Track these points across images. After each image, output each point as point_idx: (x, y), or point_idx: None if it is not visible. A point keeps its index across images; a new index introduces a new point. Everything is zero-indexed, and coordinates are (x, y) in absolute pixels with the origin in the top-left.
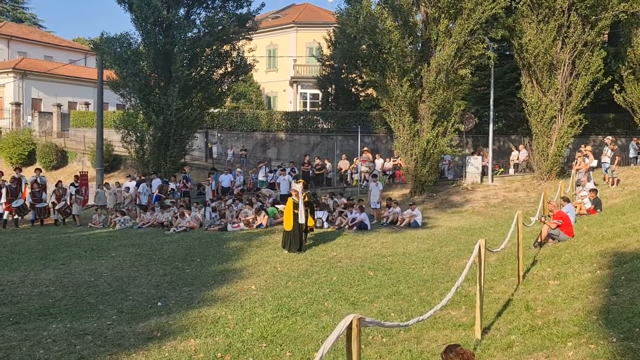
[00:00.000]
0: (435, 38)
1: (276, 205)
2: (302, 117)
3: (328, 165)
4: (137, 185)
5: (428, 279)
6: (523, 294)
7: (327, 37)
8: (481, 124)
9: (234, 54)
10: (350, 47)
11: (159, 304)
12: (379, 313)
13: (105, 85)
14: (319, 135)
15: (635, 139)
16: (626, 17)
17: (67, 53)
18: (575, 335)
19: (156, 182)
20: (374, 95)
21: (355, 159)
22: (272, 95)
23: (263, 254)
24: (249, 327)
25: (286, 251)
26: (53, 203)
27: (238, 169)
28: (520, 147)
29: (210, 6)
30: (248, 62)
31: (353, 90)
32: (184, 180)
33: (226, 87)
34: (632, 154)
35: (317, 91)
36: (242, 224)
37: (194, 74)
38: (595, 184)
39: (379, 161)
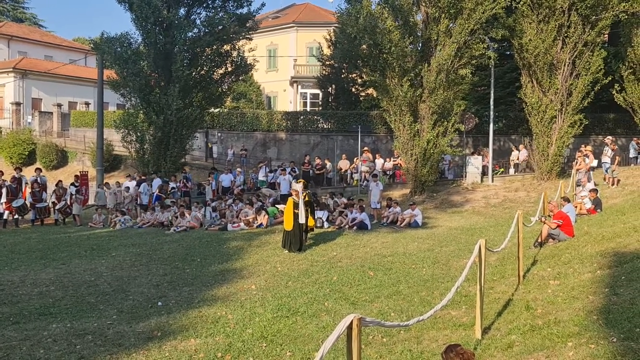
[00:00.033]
0: (435, 38)
1: (276, 205)
2: (302, 117)
3: (328, 165)
4: (138, 185)
5: (428, 278)
6: (523, 294)
7: (328, 37)
8: (481, 123)
9: (234, 53)
10: (351, 47)
11: (159, 303)
12: (379, 313)
13: (106, 85)
14: (319, 135)
15: (635, 139)
16: (626, 17)
17: (68, 53)
18: (575, 335)
19: (156, 181)
20: (374, 95)
21: (355, 158)
22: (273, 95)
23: (263, 254)
24: (249, 327)
25: (286, 251)
26: (53, 203)
27: (238, 169)
28: (520, 147)
29: (211, 6)
30: (248, 62)
31: (353, 90)
32: (184, 180)
33: (226, 87)
34: (632, 154)
35: (317, 91)
36: (242, 224)
37: (194, 73)
38: (595, 184)
39: (379, 161)
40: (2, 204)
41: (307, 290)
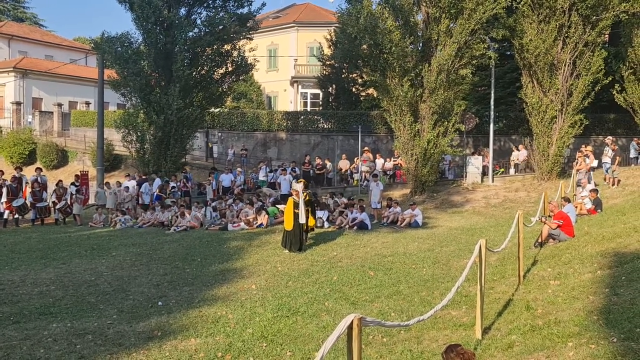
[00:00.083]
0: (436, 38)
1: (277, 205)
2: (302, 117)
3: (329, 165)
4: (139, 184)
5: (428, 278)
6: (524, 294)
7: (328, 37)
8: (482, 124)
9: (235, 53)
10: (351, 46)
11: (160, 303)
12: (379, 313)
13: (106, 84)
14: (320, 135)
15: (635, 139)
16: (627, 17)
17: (68, 52)
18: (575, 335)
19: (157, 181)
20: (375, 95)
21: (355, 158)
22: (273, 95)
23: (263, 254)
24: (250, 327)
25: (286, 251)
26: (54, 202)
27: (239, 169)
28: (520, 147)
29: (211, 6)
30: (249, 62)
31: (354, 90)
32: (185, 180)
33: (227, 87)
34: (632, 154)
35: (317, 91)
36: (242, 224)
37: (194, 73)
38: (595, 184)
39: (379, 161)
40: (2, 203)
41: (308, 290)
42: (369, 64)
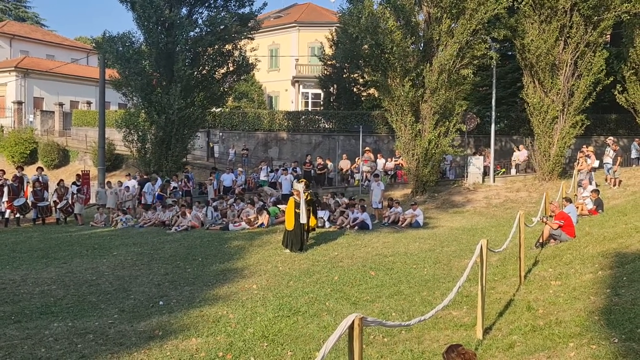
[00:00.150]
0: (437, 38)
1: (278, 205)
2: (303, 117)
3: (330, 165)
4: (140, 184)
5: (429, 279)
6: (525, 294)
7: (329, 37)
8: (483, 124)
9: (236, 53)
10: (352, 46)
11: (161, 303)
12: (380, 313)
13: (107, 84)
14: (321, 135)
15: (637, 139)
16: (628, 17)
17: (69, 52)
18: (577, 335)
19: (159, 181)
20: (376, 95)
21: (357, 158)
22: (274, 95)
23: (264, 254)
24: (251, 327)
25: (287, 250)
26: (55, 202)
27: (240, 169)
28: (521, 147)
29: (213, 5)
30: (250, 62)
31: (355, 90)
32: (186, 180)
33: (228, 87)
34: (634, 154)
35: (318, 91)
36: (243, 223)
37: (195, 73)
38: (597, 185)
39: (380, 161)
40: (3, 202)
41: (309, 290)
42: (370, 64)
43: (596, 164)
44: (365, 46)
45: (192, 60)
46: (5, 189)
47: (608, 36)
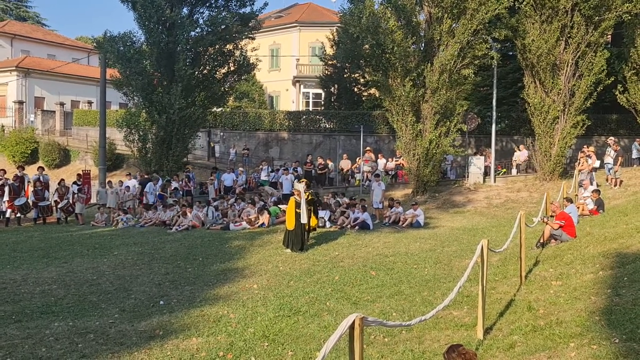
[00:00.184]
0: (438, 38)
1: (278, 205)
2: (304, 117)
3: (330, 164)
4: (141, 184)
5: (430, 279)
6: (525, 295)
7: (330, 37)
8: (484, 124)
9: (237, 53)
10: (353, 46)
11: (161, 302)
12: (381, 313)
13: (108, 84)
14: (322, 135)
15: (638, 139)
16: (630, 17)
17: (70, 52)
18: (577, 335)
19: (160, 181)
20: (377, 95)
21: (357, 158)
22: (275, 95)
23: (265, 253)
24: (251, 326)
25: (288, 250)
26: (55, 201)
27: (240, 168)
28: (521, 147)
29: (214, 5)
30: (251, 62)
31: (355, 90)
32: (187, 179)
33: (229, 87)
34: (635, 154)
35: (319, 91)
36: (244, 223)
37: (196, 73)
38: (598, 185)
39: (381, 161)
40: (4, 202)
41: (309, 290)
42: (371, 63)
43: (597, 164)
44: (366, 46)
45: (193, 60)
46: (6, 189)
47: (609, 36)
